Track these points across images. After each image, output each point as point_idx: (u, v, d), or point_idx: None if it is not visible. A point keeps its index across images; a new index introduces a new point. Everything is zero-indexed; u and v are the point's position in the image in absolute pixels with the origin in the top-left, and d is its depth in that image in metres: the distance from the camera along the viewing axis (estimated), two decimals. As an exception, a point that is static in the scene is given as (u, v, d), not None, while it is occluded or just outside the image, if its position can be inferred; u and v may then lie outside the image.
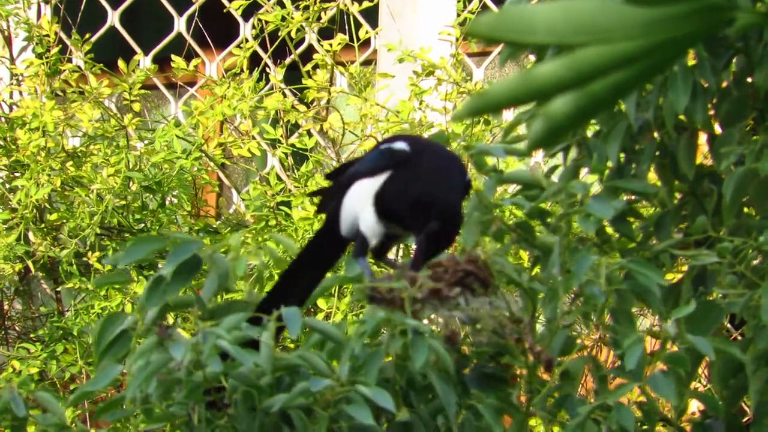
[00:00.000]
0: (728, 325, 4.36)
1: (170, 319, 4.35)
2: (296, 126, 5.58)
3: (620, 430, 2.42)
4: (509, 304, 2.48)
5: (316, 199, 5.03)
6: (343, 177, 2.74)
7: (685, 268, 2.88)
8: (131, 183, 5.23)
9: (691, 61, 2.72)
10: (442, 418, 2.41)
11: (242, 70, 5.49)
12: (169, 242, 2.42)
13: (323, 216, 2.86)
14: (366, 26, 5.65)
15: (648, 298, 2.51)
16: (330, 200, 2.77)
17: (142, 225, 5.26)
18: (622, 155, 2.79)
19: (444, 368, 2.38)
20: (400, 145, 2.68)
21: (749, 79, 2.78)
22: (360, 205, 2.67)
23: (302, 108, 5.44)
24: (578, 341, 2.57)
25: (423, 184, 2.62)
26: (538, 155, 5.01)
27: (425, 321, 2.47)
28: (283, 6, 5.54)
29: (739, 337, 4.22)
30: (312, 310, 4.90)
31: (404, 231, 2.67)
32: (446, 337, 2.46)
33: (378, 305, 2.44)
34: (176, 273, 2.41)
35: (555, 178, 2.77)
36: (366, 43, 5.77)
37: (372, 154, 2.72)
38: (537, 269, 2.67)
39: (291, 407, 2.34)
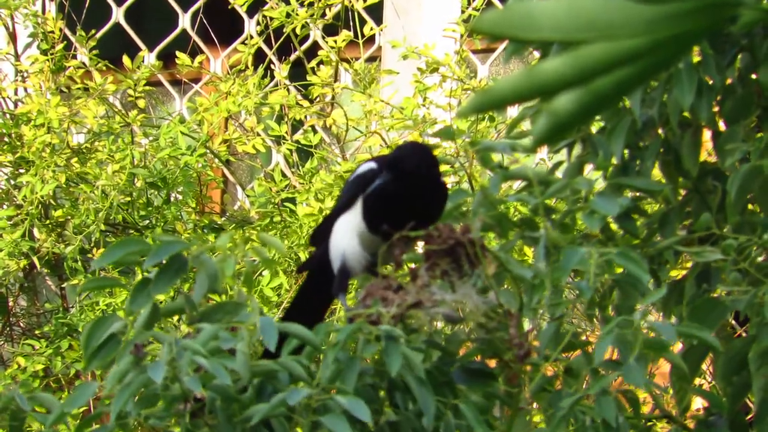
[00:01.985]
0: (733, 322, 4.36)
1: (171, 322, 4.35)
2: (301, 122, 5.58)
3: (603, 423, 2.42)
4: (497, 296, 2.48)
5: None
6: (324, 222, 2.79)
7: (689, 264, 2.88)
8: (136, 179, 5.24)
9: (695, 58, 2.72)
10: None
11: (247, 67, 5.49)
12: (151, 243, 2.40)
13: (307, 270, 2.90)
14: (371, 23, 5.65)
15: (639, 290, 2.52)
16: (317, 250, 2.81)
17: (147, 221, 5.26)
18: (627, 152, 2.79)
19: (419, 372, 2.38)
20: (366, 167, 2.72)
21: (754, 76, 2.78)
22: (345, 241, 2.70)
23: (305, 104, 5.44)
24: (584, 336, 2.57)
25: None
26: (543, 152, 5.01)
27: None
28: (287, 2, 5.54)
29: (744, 334, 4.22)
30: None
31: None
32: (447, 317, 2.47)
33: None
34: (161, 274, 2.40)
35: (559, 174, 2.77)
36: (371, 39, 5.76)
37: (344, 188, 2.77)
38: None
39: (272, 415, 2.34)
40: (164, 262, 2.40)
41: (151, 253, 2.38)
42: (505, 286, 2.54)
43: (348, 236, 2.69)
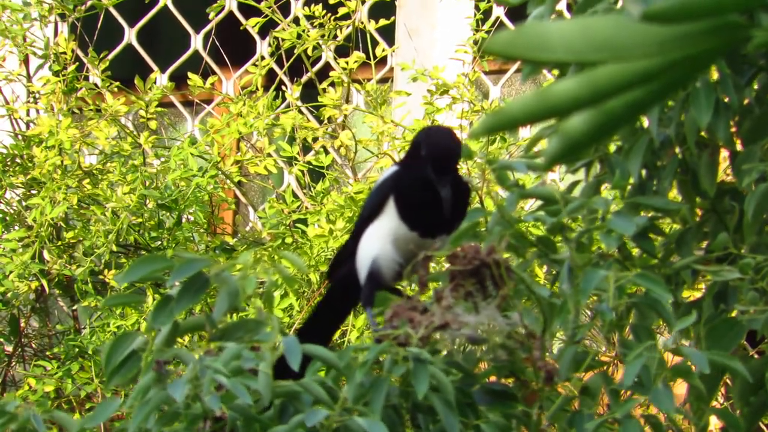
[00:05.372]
0: (745, 344, 4.34)
1: (186, 338, 4.35)
2: (313, 142, 5.58)
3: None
4: (521, 317, 2.47)
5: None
6: (353, 232, 2.79)
7: (701, 286, 2.87)
8: (147, 201, 5.23)
9: (713, 77, 2.71)
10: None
11: (258, 88, 5.49)
12: (174, 261, 2.40)
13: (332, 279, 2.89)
14: (383, 44, 5.65)
15: (660, 312, 2.50)
16: (342, 263, 2.80)
17: (159, 243, 5.25)
18: (644, 171, 2.78)
19: (449, 394, 2.37)
20: (389, 172, 2.72)
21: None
22: (377, 246, 2.69)
23: (314, 125, 5.44)
24: (596, 357, 2.55)
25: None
26: (557, 171, 5.00)
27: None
28: (299, 24, 5.54)
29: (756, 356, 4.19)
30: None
31: (438, 226, 2.67)
32: (471, 338, 2.46)
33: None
34: (183, 292, 2.40)
35: (576, 193, 2.76)
36: (383, 60, 5.76)
37: (368, 198, 2.77)
38: (558, 285, 2.66)
39: None
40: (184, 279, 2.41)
41: (174, 270, 2.38)
42: (519, 303, 2.53)
43: (381, 241, 2.69)
